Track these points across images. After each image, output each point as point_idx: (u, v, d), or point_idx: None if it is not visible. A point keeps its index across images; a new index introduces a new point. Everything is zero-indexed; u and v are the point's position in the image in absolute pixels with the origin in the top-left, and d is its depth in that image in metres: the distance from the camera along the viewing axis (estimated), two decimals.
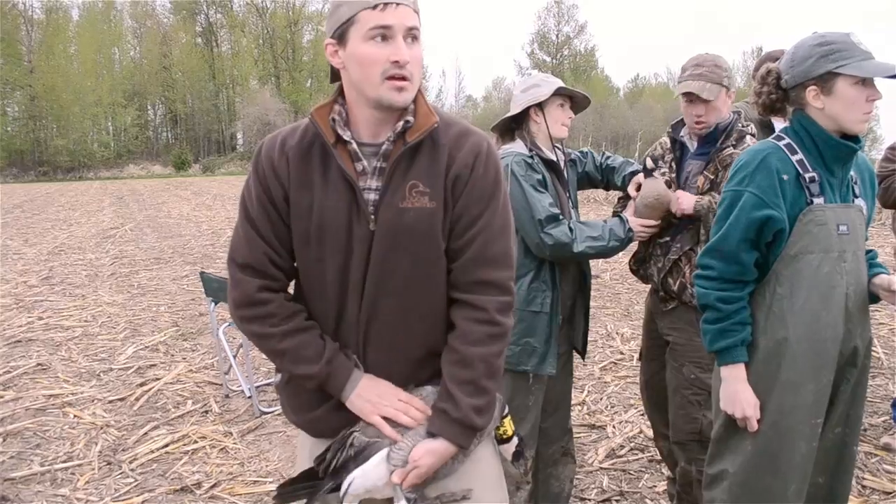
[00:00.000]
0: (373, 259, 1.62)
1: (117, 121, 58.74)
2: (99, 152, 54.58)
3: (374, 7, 1.52)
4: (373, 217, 1.61)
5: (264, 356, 4.89)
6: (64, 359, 5.86)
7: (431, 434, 1.62)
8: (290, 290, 1.78)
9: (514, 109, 2.69)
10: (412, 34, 1.57)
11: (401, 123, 1.61)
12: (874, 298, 2.17)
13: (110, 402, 4.85)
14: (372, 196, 1.62)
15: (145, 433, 4.30)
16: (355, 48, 1.56)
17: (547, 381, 2.72)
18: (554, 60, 70.63)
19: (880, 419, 4.24)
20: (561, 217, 2.55)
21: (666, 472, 3.44)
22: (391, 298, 1.64)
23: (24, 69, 53.72)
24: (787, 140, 2.07)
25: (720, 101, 2.64)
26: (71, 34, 58.50)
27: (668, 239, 2.75)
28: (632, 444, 4.02)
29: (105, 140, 57.84)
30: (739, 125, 2.71)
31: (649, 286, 2.98)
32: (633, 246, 2.93)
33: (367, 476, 1.61)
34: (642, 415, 4.39)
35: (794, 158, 2.03)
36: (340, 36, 1.58)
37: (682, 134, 2.80)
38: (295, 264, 1.73)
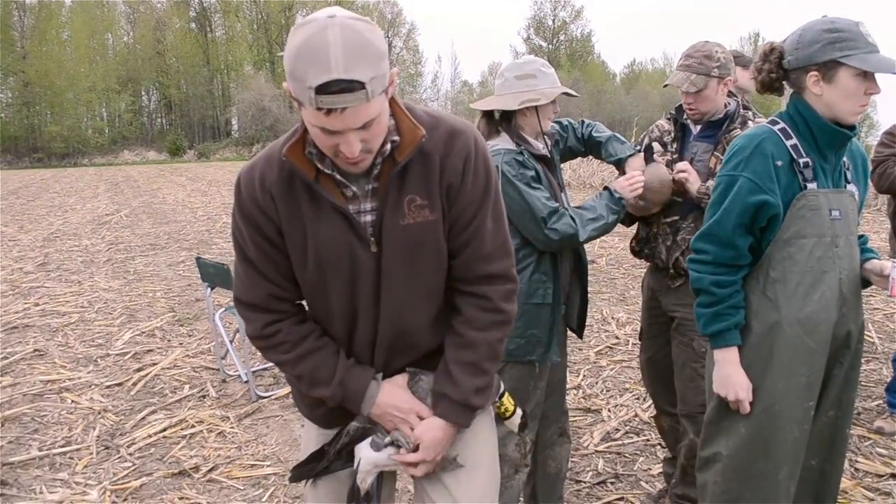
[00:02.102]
0: (384, 279, 1.61)
1: (111, 107, 58.47)
2: (93, 138, 54.27)
3: (318, 109, 1.36)
4: (373, 239, 1.59)
5: None
6: (61, 344, 5.87)
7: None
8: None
9: (509, 102, 2.56)
10: (368, 124, 1.42)
11: (388, 146, 1.54)
12: (865, 283, 2.18)
13: (107, 387, 4.87)
14: (369, 217, 1.59)
15: (143, 418, 4.32)
16: (307, 121, 1.45)
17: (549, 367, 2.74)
18: (550, 46, 70.37)
19: (874, 403, 4.28)
20: (560, 209, 2.55)
21: (661, 454, 3.47)
22: (404, 310, 1.66)
23: (17, 55, 53.31)
24: (782, 124, 2.07)
25: (710, 90, 2.68)
26: (64, 19, 58.03)
27: (676, 218, 2.77)
28: (627, 428, 4.05)
29: (99, 126, 57.55)
30: (741, 111, 2.75)
31: (647, 269, 3.02)
32: (634, 228, 2.96)
33: (373, 455, 1.73)
34: (637, 398, 4.42)
35: (789, 143, 2.03)
36: (293, 98, 1.42)
37: (684, 117, 2.83)
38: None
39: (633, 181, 2.66)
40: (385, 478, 1.84)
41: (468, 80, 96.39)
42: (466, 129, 1.64)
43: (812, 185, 2.02)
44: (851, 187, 2.13)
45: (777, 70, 2.07)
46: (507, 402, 1.78)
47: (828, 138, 2.03)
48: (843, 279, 2.06)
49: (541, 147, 2.60)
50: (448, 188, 1.60)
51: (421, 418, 1.69)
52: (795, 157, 2.02)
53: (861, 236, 2.22)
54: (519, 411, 1.80)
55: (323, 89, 1.33)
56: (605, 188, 2.70)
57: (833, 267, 2.04)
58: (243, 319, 1.72)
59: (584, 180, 20.42)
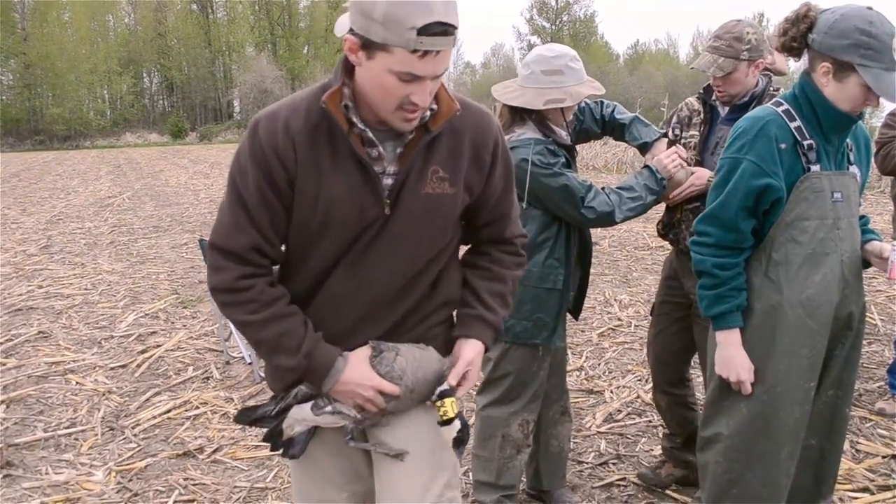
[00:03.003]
0: (387, 243, 1.61)
1: (113, 89, 58.33)
2: (95, 121, 54.24)
3: (414, 52, 1.40)
4: (388, 201, 1.58)
5: None
6: (65, 327, 5.89)
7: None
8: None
9: (534, 100, 2.52)
10: (439, 76, 1.49)
11: (427, 114, 1.57)
12: (866, 264, 2.19)
13: (112, 368, 4.89)
14: (389, 181, 1.59)
15: (147, 399, 4.34)
16: (378, 72, 1.45)
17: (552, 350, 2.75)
18: (553, 27, 69.94)
19: (875, 385, 4.29)
20: (595, 186, 2.55)
21: (661, 430, 3.48)
22: (395, 277, 1.65)
23: (18, 37, 53.17)
24: (786, 106, 2.06)
25: (739, 73, 2.62)
26: (65, 1, 57.79)
27: (698, 204, 2.75)
28: (629, 409, 4.07)
29: (101, 108, 57.51)
30: (771, 89, 2.72)
31: (671, 249, 3.03)
32: (661, 211, 2.96)
33: (308, 412, 1.72)
34: (640, 380, 4.44)
35: (793, 125, 2.02)
36: (366, 46, 1.43)
37: (713, 98, 2.80)
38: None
39: (674, 158, 2.65)
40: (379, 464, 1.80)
41: (470, 61, 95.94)
42: (492, 116, 1.74)
43: (815, 168, 2.02)
44: (854, 169, 2.12)
45: (800, 40, 2.01)
46: (450, 405, 1.65)
47: (832, 122, 2.02)
48: (845, 261, 2.06)
49: (565, 136, 2.61)
50: (476, 169, 1.67)
51: (383, 395, 1.63)
52: (799, 139, 2.02)
53: (862, 217, 2.22)
54: (458, 424, 1.65)
55: (425, 30, 1.38)
56: (646, 166, 2.68)
57: (835, 249, 2.04)
58: (213, 269, 1.61)
59: (587, 162, 20.34)
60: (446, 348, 1.76)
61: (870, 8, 1.94)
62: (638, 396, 4.20)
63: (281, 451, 1.77)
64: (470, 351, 1.73)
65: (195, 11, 63.30)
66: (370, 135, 1.56)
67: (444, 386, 1.68)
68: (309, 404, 1.70)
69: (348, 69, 1.56)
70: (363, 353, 1.66)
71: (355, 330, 1.68)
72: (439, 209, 1.63)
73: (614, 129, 2.90)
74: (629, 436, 3.75)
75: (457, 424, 1.65)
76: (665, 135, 2.82)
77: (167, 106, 64.40)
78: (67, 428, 3.96)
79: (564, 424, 2.96)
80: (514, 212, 1.84)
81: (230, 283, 1.59)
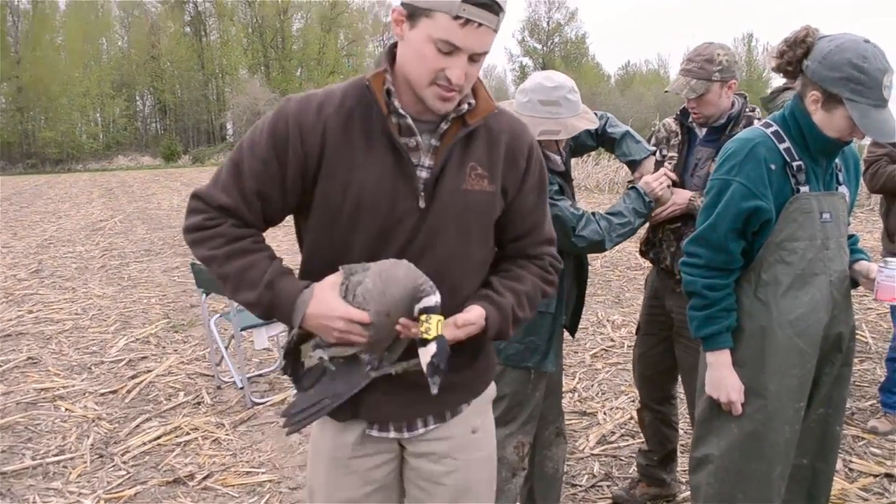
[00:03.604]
0: (420, 238, 1.55)
1: (106, 112, 58.30)
2: (87, 144, 54.19)
3: (456, 17, 1.40)
4: (422, 194, 1.55)
5: (256, 347, 4.90)
6: (55, 352, 5.85)
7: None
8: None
9: (530, 129, 2.53)
10: (478, 57, 1.48)
11: (464, 106, 1.56)
12: (854, 284, 2.19)
13: (102, 394, 4.85)
14: (423, 174, 1.56)
15: (137, 425, 4.30)
16: (419, 40, 1.45)
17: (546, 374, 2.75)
18: (545, 48, 70.46)
19: (867, 403, 4.29)
20: (587, 214, 2.56)
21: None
22: (442, 277, 1.55)
23: (11, 60, 53.19)
24: (775, 127, 2.07)
25: (712, 94, 2.67)
26: (58, 24, 57.93)
27: (679, 224, 2.79)
28: (622, 431, 4.05)
29: (93, 131, 57.46)
30: (747, 110, 2.75)
31: (651, 268, 3.06)
32: (643, 231, 2.98)
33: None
34: (632, 401, 4.42)
35: (782, 147, 2.03)
36: (411, 14, 1.45)
37: (690, 120, 2.83)
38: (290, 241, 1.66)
39: (662, 181, 2.67)
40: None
41: None
42: (525, 124, 1.73)
43: (804, 189, 2.03)
44: (843, 189, 2.13)
45: (795, 64, 2.02)
46: (435, 324, 1.45)
47: (820, 146, 2.03)
48: (834, 281, 2.07)
49: (559, 162, 2.61)
50: (513, 167, 1.64)
51: (353, 322, 1.49)
52: (788, 160, 2.02)
53: (851, 237, 2.23)
54: (433, 347, 1.44)
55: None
56: (633, 188, 2.70)
57: (824, 269, 2.05)
58: (188, 212, 1.59)
59: (579, 182, 20.42)
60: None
61: (867, 41, 1.92)
62: (631, 417, 4.18)
63: (292, 379, 1.69)
64: (468, 313, 1.58)
65: (188, 34, 63.57)
66: (409, 121, 1.54)
67: (429, 303, 1.47)
68: (311, 343, 1.65)
69: (392, 57, 1.57)
70: (331, 279, 1.54)
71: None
72: (481, 207, 1.60)
73: (605, 142, 2.92)
74: (622, 457, 3.73)
75: (432, 348, 1.45)
76: (654, 153, 2.84)
77: (160, 129, 64.41)
78: (56, 455, 3.92)
79: (560, 446, 2.94)
80: (547, 227, 1.77)
81: (199, 222, 1.56)
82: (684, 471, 3.23)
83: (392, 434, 1.69)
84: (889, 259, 2.08)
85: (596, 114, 2.88)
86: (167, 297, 7.84)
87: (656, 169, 2.77)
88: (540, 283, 1.73)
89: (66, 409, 4.57)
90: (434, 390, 1.46)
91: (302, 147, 1.52)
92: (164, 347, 5.95)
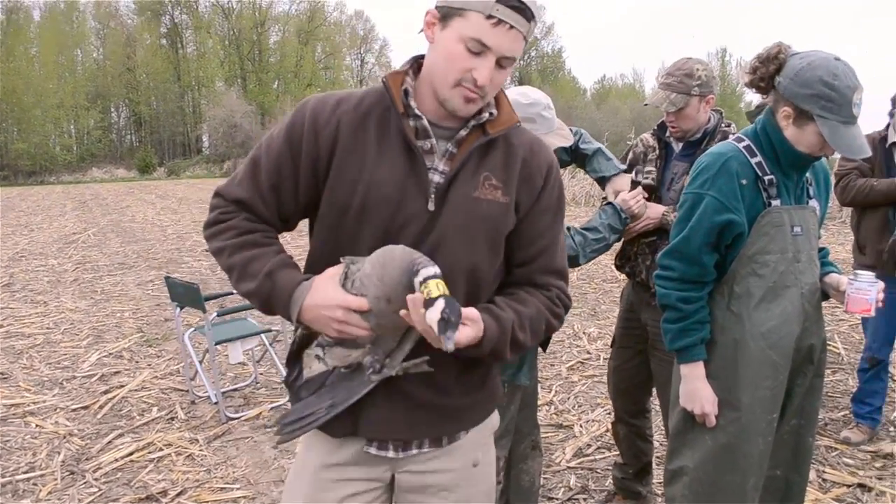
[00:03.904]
0: (427, 241, 1.51)
1: (80, 123, 57.75)
2: (61, 156, 53.54)
3: (489, 17, 1.41)
4: (432, 196, 1.51)
5: (231, 362, 4.85)
6: (25, 367, 5.75)
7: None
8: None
9: None
10: (506, 62, 1.48)
11: (486, 114, 1.55)
12: (825, 296, 2.22)
13: (73, 410, 4.78)
14: (436, 178, 1.53)
15: (109, 441, 4.24)
16: (449, 40, 1.45)
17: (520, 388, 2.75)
18: (521, 61, 70.89)
19: (840, 414, 4.33)
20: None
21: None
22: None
23: None
24: (747, 142, 2.10)
25: (691, 109, 2.71)
26: (32, 35, 57.35)
27: (654, 238, 2.82)
28: (599, 443, 4.06)
29: (67, 143, 56.80)
30: (723, 125, 2.79)
31: (627, 281, 3.09)
32: (618, 245, 3.00)
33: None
34: (609, 413, 4.43)
35: (754, 161, 2.06)
36: (444, 16, 1.46)
37: (667, 134, 2.87)
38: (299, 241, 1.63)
39: (639, 199, 2.70)
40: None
41: None
42: (546, 145, 1.69)
43: (776, 202, 2.05)
44: (813, 203, 2.16)
45: (768, 80, 2.05)
46: (434, 286, 1.36)
47: (791, 160, 2.06)
48: (805, 293, 2.09)
49: None
50: (529, 184, 1.60)
51: (352, 311, 1.44)
52: (760, 174, 2.05)
53: (822, 249, 2.27)
54: (441, 303, 1.34)
55: (505, 0, 1.41)
56: (609, 204, 2.71)
57: (795, 282, 2.07)
58: (210, 209, 1.61)
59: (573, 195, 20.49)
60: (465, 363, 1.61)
61: (837, 59, 1.95)
62: (607, 430, 4.19)
63: (290, 390, 1.63)
64: (467, 310, 1.45)
65: (164, 46, 63.22)
66: (425, 123, 1.52)
67: (428, 273, 1.37)
68: (314, 344, 1.60)
69: (416, 66, 1.58)
70: (332, 270, 1.50)
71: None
72: (492, 217, 1.55)
73: (577, 158, 2.94)
74: (599, 470, 3.73)
75: (440, 303, 1.35)
76: (626, 171, 2.86)
77: (135, 141, 63.86)
78: (26, 473, 3.85)
79: (535, 459, 2.94)
80: (559, 257, 1.67)
81: (215, 216, 1.58)
82: (660, 483, 3.24)
83: (391, 453, 1.62)
84: (858, 272, 2.11)
85: (570, 130, 2.91)
86: (141, 310, 7.75)
87: (633, 188, 2.79)
88: (546, 312, 1.62)
89: (37, 425, 4.50)
90: (450, 346, 1.33)
91: (315, 142, 1.53)
92: (137, 362, 5.87)
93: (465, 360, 1.58)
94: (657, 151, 2.90)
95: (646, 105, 2.87)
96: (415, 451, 1.64)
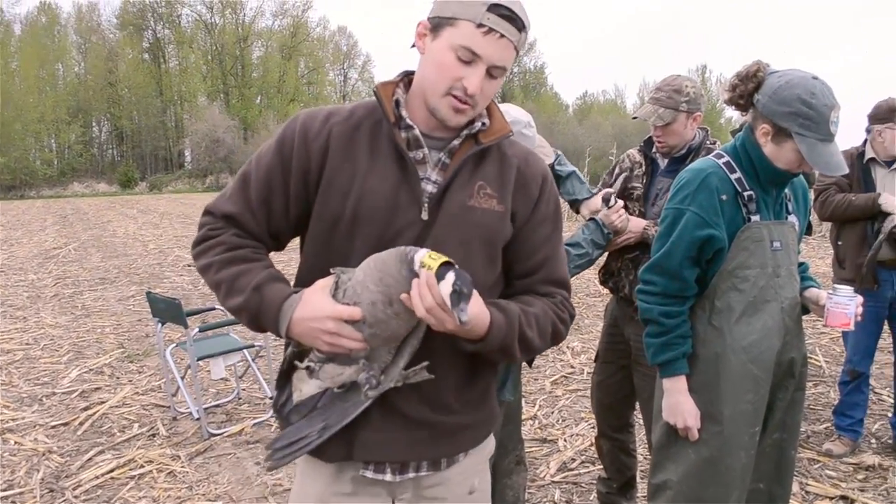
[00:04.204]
0: None
1: (61, 138, 57.34)
2: (41, 170, 53.18)
3: (479, 26, 1.42)
4: (426, 205, 1.49)
5: (213, 377, 4.81)
6: (4, 383, 5.67)
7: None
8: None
9: None
10: (496, 72, 1.48)
11: (478, 124, 1.55)
12: (805, 310, 2.25)
13: (53, 427, 4.72)
14: (429, 188, 1.52)
15: (90, 459, 4.19)
16: (440, 49, 1.45)
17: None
18: (504, 78, 71.31)
19: (822, 426, 4.37)
20: None
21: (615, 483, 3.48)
22: None
23: None
24: (727, 158, 2.13)
25: (678, 124, 2.75)
26: (13, 49, 57.00)
27: (637, 253, 2.84)
28: (583, 458, 4.06)
29: (48, 157, 56.43)
30: (708, 142, 2.82)
31: (612, 297, 3.10)
32: (603, 260, 3.03)
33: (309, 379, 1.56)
34: (593, 427, 4.43)
35: (733, 177, 2.09)
36: (435, 27, 1.47)
37: (653, 150, 2.90)
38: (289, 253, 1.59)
39: (621, 214, 2.72)
40: None
41: None
42: (540, 157, 1.69)
43: (755, 218, 2.08)
44: (792, 218, 2.19)
45: (747, 98, 2.08)
46: (428, 259, 1.34)
47: (769, 176, 2.09)
48: (785, 308, 2.12)
49: None
50: (522, 196, 1.59)
51: (344, 322, 1.39)
52: (740, 190, 2.08)
53: (802, 264, 2.29)
54: (451, 275, 1.31)
55: (495, 10, 1.42)
56: (592, 219, 2.74)
57: (775, 296, 2.09)
58: (199, 227, 1.58)
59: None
60: (471, 363, 1.58)
61: (815, 78, 1.99)
62: (591, 444, 4.19)
63: (278, 415, 1.59)
64: (475, 308, 1.42)
65: (147, 61, 63.06)
66: (417, 133, 1.51)
67: (422, 255, 1.35)
68: (304, 364, 1.54)
69: (407, 78, 1.58)
70: (322, 282, 1.46)
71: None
72: (487, 225, 1.53)
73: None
74: (583, 484, 3.74)
75: (450, 276, 1.31)
76: (596, 194, 2.89)
77: (117, 155, 63.51)
78: (4, 491, 3.79)
79: (520, 474, 2.94)
80: (560, 267, 1.65)
81: (204, 233, 1.55)
82: (644, 497, 3.25)
83: (388, 476, 1.57)
84: (837, 286, 2.13)
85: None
86: (122, 326, 7.68)
87: (614, 203, 2.82)
88: (552, 315, 1.59)
89: (16, 443, 4.44)
90: (464, 318, 1.31)
91: (306, 154, 1.51)
92: (118, 378, 5.82)
93: (464, 373, 1.58)
94: (643, 167, 2.94)
95: (634, 118, 2.91)
96: (412, 475, 1.59)
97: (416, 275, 1.35)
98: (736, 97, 2.10)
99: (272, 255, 1.63)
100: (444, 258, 1.34)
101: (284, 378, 1.61)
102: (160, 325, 4.91)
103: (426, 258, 1.34)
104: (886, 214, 3.71)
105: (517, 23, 1.44)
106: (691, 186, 2.09)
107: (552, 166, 2.92)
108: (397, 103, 1.53)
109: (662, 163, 2.90)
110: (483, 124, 1.56)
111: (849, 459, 3.91)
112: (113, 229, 19.78)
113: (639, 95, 69.18)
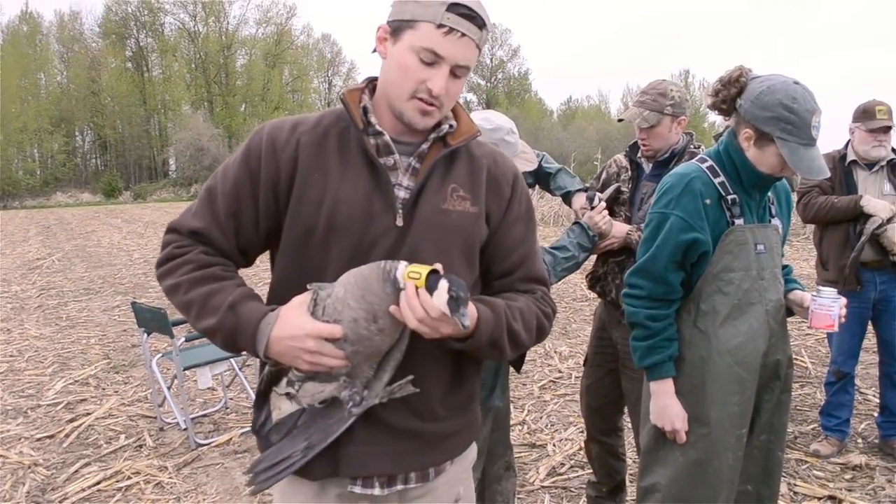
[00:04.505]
0: (400, 257, 1.44)
1: (44, 147, 56.90)
2: (24, 180, 52.65)
3: (439, 26, 1.41)
4: (400, 211, 1.48)
5: (200, 387, 4.78)
6: None
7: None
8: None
9: None
10: (460, 71, 1.46)
11: (445, 126, 1.54)
12: (789, 313, 2.26)
13: (38, 439, 4.67)
14: (402, 193, 1.50)
15: (76, 471, 4.16)
16: (401, 52, 1.44)
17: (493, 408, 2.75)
18: (489, 84, 71.55)
19: (809, 427, 4.39)
20: None
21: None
22: None
23: None
24: (710, 162, 2.14)
25: (663, 127, 2.78)
26: None
27: (623, 257, 2.86)
28: (572, 462, 4.07)
29: (30, 167, 55.90)
30: (692, 146, 2.85)
31: (600, 301, 3.11)
32: (590, 265, 3.05)
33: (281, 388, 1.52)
34: (581, 432, 4.44)
35: (717, 181, 2.10)
36: (395, 30, 1.45)
37: (638, 155, 2.93)
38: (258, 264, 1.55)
39: (605, 216, 2.73)
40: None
41: None
42: (507, 156, 1.69)
43: (739, 221, 2.10)
44: (776, 221, 2.21)
45: (729, 103, 2.10)
46: (418, 269, 1.33)
47: (752, 180, 2.11)
48: (770, 310, 2.13)
49: None
50: (495, 197, 1.58)
51: (324, 340, 1.37)
52: (723, 194, 2.09)
53: (785, 267, 2.31)
54: (444, 283, 1.30)
55: (454, 9, 1.41)
56: (577, 223, 2.75)
57: (760, 299, 2.11)
58: (163, 245, 1.53)
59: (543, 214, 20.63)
60: (456, 369, 1.58)
61: (797, 83, 2.01)
62: (580, 449, 4.20)
63: (257, 434, 1.56)
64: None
65: (130, 70, 62.69)
66: (387, 139, 1.50)
67: (402, 266, 1.34)
68: (283, 382, 1.50)
69: (371, 84, 1.57)
70: (299, 299, 1.43)
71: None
72: (463, 228, 1.52)
73: (541, 179, 2.99)
74: (573, 489, 3.74)
75: (443, 284, 1.30)
76: (585, 189, 2.93)
77: (100, 164, 63.03)
78: None
79: (509, 480, 2.94)
80: (537, 265, 1.66)
81: (169, 251, 1.50)
82: (634, 500, 3.26)
83: (376, 490, 1.53)
84: (821, 288, 2.15)
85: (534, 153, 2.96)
86: (107, 336, 7.63)
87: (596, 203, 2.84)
88: (535, 309, 1.58)
89: (1, 456, 4.39)
90: (466, 323, 1.31)
91: (275, 165, 1.48)
92: (104, 389, 5.78)
93: (450, 379, 1.57)
94: (630, 172, 2.96)
95: (620, 120, 2.95)
96: (400, 487, 1.56)
97: (401, 289, 1.34)
98: (719, 102, 2.12)
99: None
100: (429, 267, 1.33)
101: (262, 398, 1.57)
102: (146, 334, 4.89)
103: (409, 271, 1.33)
104: (868, 216, 3.75)
105: (477, 20, 1.44)
106: (675, 191, 2.10)
107: (539, 165, 2.94)
108: (365, 110, 1.52)
109: (647, 167, 2.92)
110: (451, 126, 1.55)
111: (836, 460, 3.94)
112: (97, 239, 19.64)
113: (622, 101, 69.51)
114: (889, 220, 3.71)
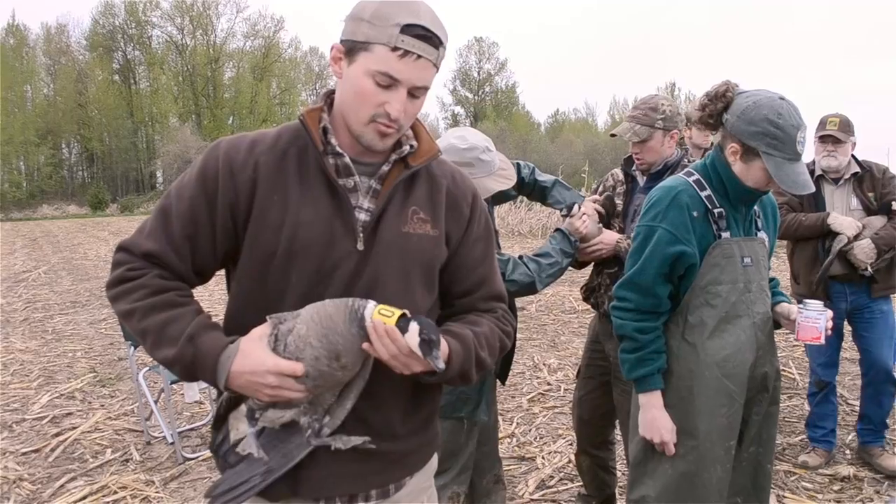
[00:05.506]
0: (360, 282, 1.45)
1: (30, 160, 56.60)
2: (10, 192, 52.34)
3: (394, 49, 1.37)
4: (360, 235, 1.46)
5: (187, 400, 4.75)
6: None
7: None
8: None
9: None
10: (418, 92, 1.45)
11: (406, 148, 1.52)
12: (776, 325, 2.28)
13: (23, 454, 4.63)
14: (362, 216, 1.48)
15: (62, 486, 4.11)
16: (357, 75, 1.41)
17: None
18: (476, 97, 71.81)
19: (797, 438, 4.41)
20: (514, 258, 2.59)
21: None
22: None
23: None
24: (697, 176, 2.17)
25: (655, 141, 2.82)
26: None
27: (616, 269, 2.87)
28: (561, 475, 4.06)
29: (16, 180, 55.56)
30: (686, 160, 2.88)
31: (595, 313, 3.13)
32: (585, 276, 3.06)
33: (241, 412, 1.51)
34: (570, 444, 4.45)
35: (703, 194, 2.13)
36: (350, 51, 1.42)
37: (633, 168, 2.96)
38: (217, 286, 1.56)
39: (584, 219, 2.75)
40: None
41: None
42: (466, 174, 1.69)
43: (726, 234, 2.12)
44: (762, 235, 2.23)
45: (716, 117, 2.12)
46: (388, 311, 1.34)
47: (738, 194, 2.14)
48: (757, 322, 2.15)
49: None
50: (454, 218, 1.58)
51: (286, 376, 1.36)
52: (710, 207, 2.12)
53: (772, 279, 2.34)
54: (414, 325, 1.33)
55: (409, 30, 1.37)
56: (558, 230, 2.77)
57: (747, 311, 2.13)
58: (114, 265, 1.47)
59: (512, 228, 20.69)
60: (415, 390, 1.57)
61: (782, 98, 2.04)
62: (569, 461, 4.20)
63: (215, 455, 1.54)
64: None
65: (117, 82, 62.52)
66: (347, 160, 1.47)
67: (371, 307, 1.34)
68: (243, 408, 1.49)
69: (329, 100, 1.54)
70: (259, 331, 1.41)
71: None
72: (423, 251, 1.52)
73: (534, 192, 2.99)
74: (562, 502, 3.74)
75: (413, 326, 1.32)
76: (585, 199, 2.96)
77: (87, 177, 62.72)
78: None
79: (499, 493, 2.94)
80: (497, 282, 1.67)
81: (121, 273, 1.45)
82: None
83: None
84: (807, 301, 2.18)
85: (519, 164, 2.96)
86: (94, 350, 7.57)
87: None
88: (497, 330, 1.60)
89: None
90: (440, 366, 1.34)
91: (233, 186, 1.44)
92: (90, 403, 5.73)
93: (410, 400, 1.57)
94: (625, 185, 3.00)
95: (612, 135, 2.99)
96: None
97: (367, 330, 1.34)
98: (706, 116, 2.14)
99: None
100: (399, 311, 1.34)
101: (221, 421, 1.55)
102: (132, 348, 4.85)
103: (377, 314, 1.33)
104: (836, 234, 3.79)
105: (433, 40, 1.41)
106: (662, 204, 2.12)
107: (534, 179, 2.96)
108: (325, 130, 1.49)
109: (641, 180, 2.95)
110: (411, 147, 1.54)
111: (824, 471, 3.95)
112: (84, 252, 19.52)
113: (609, 113, 69.98)
114: (856, 238, 3.76)
